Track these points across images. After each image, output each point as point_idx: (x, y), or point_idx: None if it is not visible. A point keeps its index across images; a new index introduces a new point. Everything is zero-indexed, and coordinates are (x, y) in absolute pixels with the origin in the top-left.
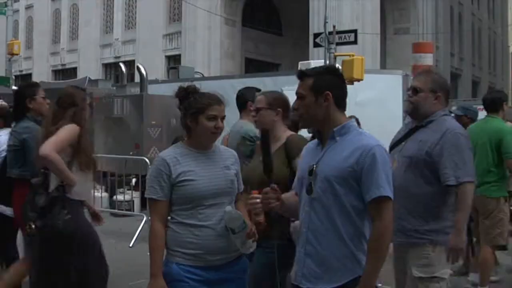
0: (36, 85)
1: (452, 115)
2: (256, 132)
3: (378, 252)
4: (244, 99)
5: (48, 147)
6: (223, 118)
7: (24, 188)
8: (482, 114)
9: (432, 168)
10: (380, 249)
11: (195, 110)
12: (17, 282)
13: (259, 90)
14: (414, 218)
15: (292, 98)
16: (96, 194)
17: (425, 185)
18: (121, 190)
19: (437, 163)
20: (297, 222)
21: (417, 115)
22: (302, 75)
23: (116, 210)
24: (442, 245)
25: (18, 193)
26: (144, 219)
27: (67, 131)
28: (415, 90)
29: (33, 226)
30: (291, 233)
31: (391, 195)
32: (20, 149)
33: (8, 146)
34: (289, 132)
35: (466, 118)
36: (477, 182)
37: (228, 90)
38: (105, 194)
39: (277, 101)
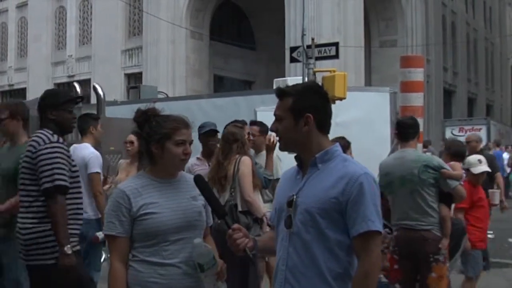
0: None
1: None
2: (440, 161)
3: None
4: None
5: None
6: (191, 143)
7: None
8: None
9: None
10: None
11: (161, 136)
12: None
13: None
14: None
15: (266, 119)
16: None
17: None
18: None
19: None
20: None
21: None
22: (281, 93)
23: None
24: None
25: None
26: (103, 256)
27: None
28: None
29: None
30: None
31: (380, 229)
32: None
33: None
34: None
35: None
36: None
37: (196, 111)
38: None
39: None
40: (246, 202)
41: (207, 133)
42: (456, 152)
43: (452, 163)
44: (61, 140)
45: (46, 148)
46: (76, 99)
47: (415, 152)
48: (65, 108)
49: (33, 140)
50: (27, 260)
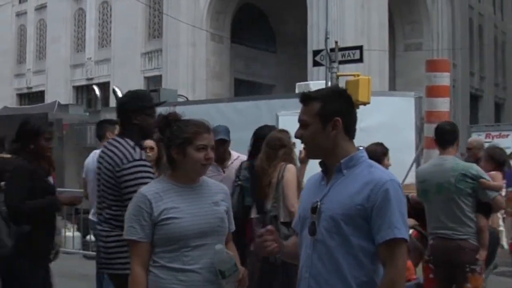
0: None
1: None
2: (479, 170)
3: None
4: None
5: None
6: (212, 147)
7: None
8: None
9: None
10: None
11: (182, 141)
12: None
13: None
14: None
15: (288, 124)
16: (67, 234)
17: None
18: None
19: None
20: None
21: None
22: (306, 98)
23: (89, 252)
24: None
25: None
26: None
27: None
28: None
29: None
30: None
31: (406, 236)
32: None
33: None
34: None
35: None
36: None
37: (215, 115)
38: (77, 234)
39: None
40: (290, 213)
41: (217, 141)
42: (497, 160)
43: (492, 172)
44: (143, 155)
45: (130, 168)
46: (157, 104)
47: (454, 159)
48: (149, 113)
49: (114, 153)
50: (111, 269)
